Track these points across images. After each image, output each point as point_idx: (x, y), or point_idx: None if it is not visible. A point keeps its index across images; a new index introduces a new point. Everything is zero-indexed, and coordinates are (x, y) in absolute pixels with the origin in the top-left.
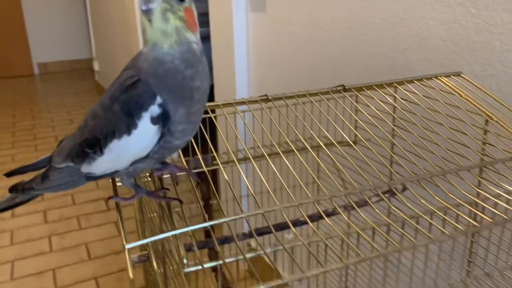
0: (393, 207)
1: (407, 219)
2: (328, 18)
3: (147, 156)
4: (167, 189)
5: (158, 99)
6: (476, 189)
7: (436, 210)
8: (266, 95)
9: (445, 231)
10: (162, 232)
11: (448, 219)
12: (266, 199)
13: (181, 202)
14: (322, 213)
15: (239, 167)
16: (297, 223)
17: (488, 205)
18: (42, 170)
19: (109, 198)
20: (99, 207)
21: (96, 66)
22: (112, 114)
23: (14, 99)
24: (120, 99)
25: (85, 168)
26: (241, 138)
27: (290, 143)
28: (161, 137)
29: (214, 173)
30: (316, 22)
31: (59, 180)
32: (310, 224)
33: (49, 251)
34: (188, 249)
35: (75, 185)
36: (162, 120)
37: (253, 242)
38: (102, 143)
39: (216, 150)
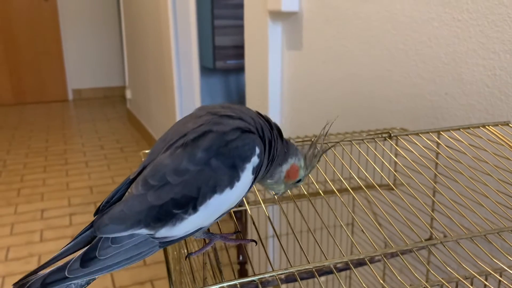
0: (440, 259)
1: (462, 279)
2: (366, 58)
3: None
4: (240, 231)
5: (257, 150)
6: None
7: (492, 272)
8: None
9: None
10: (205, 281)
11: (504, 281)
12: (291, 242)
13: (255, 242)
14: (352, 267)
15: (265, 210)
16: (326, 272)
17: None
18: (72, 257)
19: (188, 255)
20: None
21: (128, 94)
22: (210, 169)
23: (48, 124)
24: (221, 153)
25: (164, 233)
26: None
27: (329, 181)
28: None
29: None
30: (353, 62)
31: (120, 255)
32: (338, 278)
33: None
34: None
35: (141, 258)
36: (257, 170)
37: None
38: (199, 201)
39: None
